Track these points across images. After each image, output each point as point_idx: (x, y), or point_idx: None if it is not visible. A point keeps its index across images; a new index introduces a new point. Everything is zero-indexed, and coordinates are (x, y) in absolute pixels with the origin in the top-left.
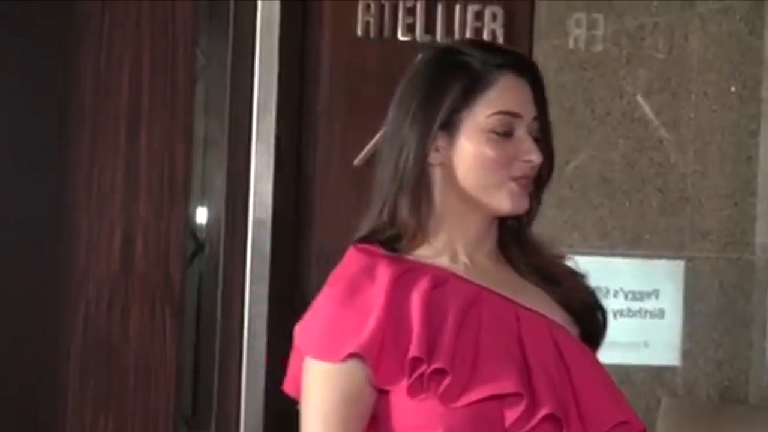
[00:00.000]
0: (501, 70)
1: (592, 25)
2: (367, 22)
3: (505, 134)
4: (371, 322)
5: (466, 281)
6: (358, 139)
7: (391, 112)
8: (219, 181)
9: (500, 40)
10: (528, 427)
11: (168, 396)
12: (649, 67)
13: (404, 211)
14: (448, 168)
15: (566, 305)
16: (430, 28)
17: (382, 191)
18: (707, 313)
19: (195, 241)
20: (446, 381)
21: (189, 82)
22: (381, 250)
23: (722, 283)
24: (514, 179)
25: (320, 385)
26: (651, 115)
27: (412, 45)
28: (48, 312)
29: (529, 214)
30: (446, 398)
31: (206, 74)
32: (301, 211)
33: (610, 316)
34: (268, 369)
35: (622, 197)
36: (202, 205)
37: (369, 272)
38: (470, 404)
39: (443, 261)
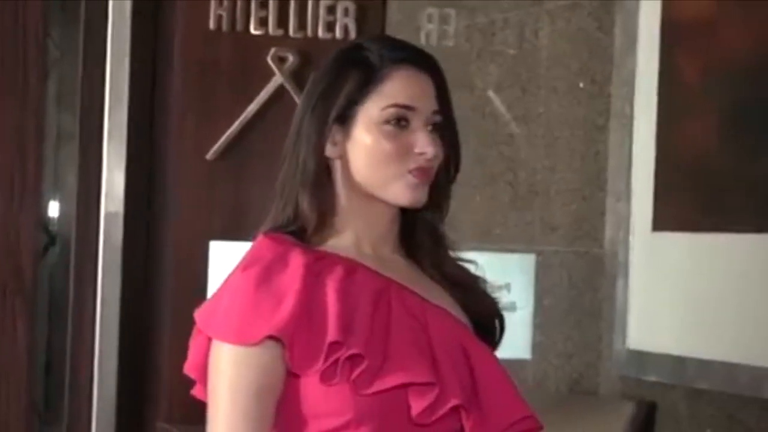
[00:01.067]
0: (397, 64)
1: (443, 20)
2: (220, 16)
3: (399, 127)
4: (286, 305)
5: (374, 272)
6: (210, 132)
7: (296, 110)
8: (71, 174)
9: (352, 34)
10: (435, 416)
11: (20, 390)
12: (499, 63)
13: (305, 206)
14: (345, 161)
15: (467, 309)
16: (282, 21)
17: (285, 186)
18: (557, 307)
19: (47, 234)
20: (361, 366)
21: (41, 74)
22: (291, 239)
23: (571, 277)
24: (410, 171)
25: (233, 368)
26: (502, 110)
27: (265, 38)
28: None
29: (441, 208)
30: (358, 384)
31: (59, 67)
32: (154, 204)
33: None
34: (120, 363)
35: (472, 191)
36: (54, 198)
37: (282, 259)
38: (380, 392)
39: (351, 252)
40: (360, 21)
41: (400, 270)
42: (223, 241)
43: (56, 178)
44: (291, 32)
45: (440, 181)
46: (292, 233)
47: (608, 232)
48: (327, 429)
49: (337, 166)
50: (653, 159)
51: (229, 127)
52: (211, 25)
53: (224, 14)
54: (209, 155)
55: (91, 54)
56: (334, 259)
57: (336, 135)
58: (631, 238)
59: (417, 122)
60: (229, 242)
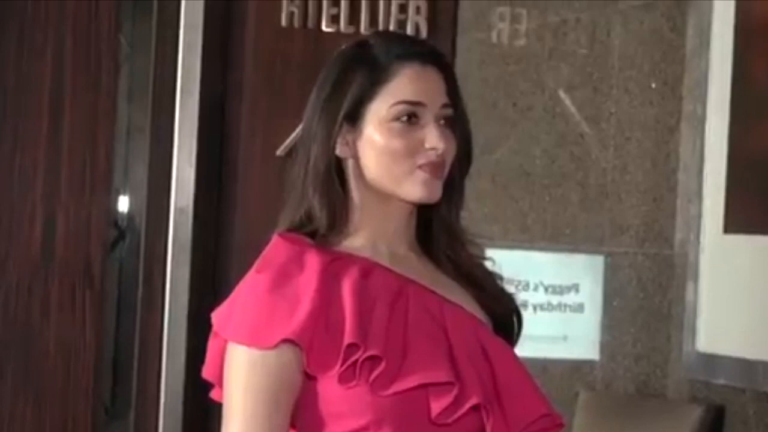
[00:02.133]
0: (404, 60)
1: (515, 20)
2: (292, 13)
3: (410, 123)
4: (303, 308)
5: (391, 272)
6: (281, 129)
7: (307, 109)
8: (141, 169)
9: (423, 32)
10: (455, 416)
11: (87, 384)
12: (570, 63)
13: (316, 207)
14: (359, 160)
15: (485, 306)
16: (354, 19)
17: (297, 187)
18: (626, 308)
19: (117, 228)
20: (379, 368)
21: (113, 68)
22: (307, 240)
23: (640, 278)
24: (421, 167)
25: (248, 371)
26: (572, 110)
27: (336, 36)
28: None
29: (455, 204)
30: (377, 386)
31: (130, 61)
32: (223, 200)
33: (530, 309)
34: (188, 358)
35: (542, 191)
36: (124, 192)
37: (297, 260)
38: (399, 393)
39: (367, 252)
40: (431, 19)
41: (416, 268)
42: None
43: (126, 173)
44: (362, 30)
45: (453, 176)
46: (307, 233)
47: (678, 234)
48: (347, 431)
49: (350, 165)
50: (725, 160)
51: (299, 124)
52: (283, 21)
53: (296, 11)
54: (279, 151)
55: (163, 49)
56: (350, 259)
57: (347, 135)
58: (701, 239)
59: (427, 118)
60: None
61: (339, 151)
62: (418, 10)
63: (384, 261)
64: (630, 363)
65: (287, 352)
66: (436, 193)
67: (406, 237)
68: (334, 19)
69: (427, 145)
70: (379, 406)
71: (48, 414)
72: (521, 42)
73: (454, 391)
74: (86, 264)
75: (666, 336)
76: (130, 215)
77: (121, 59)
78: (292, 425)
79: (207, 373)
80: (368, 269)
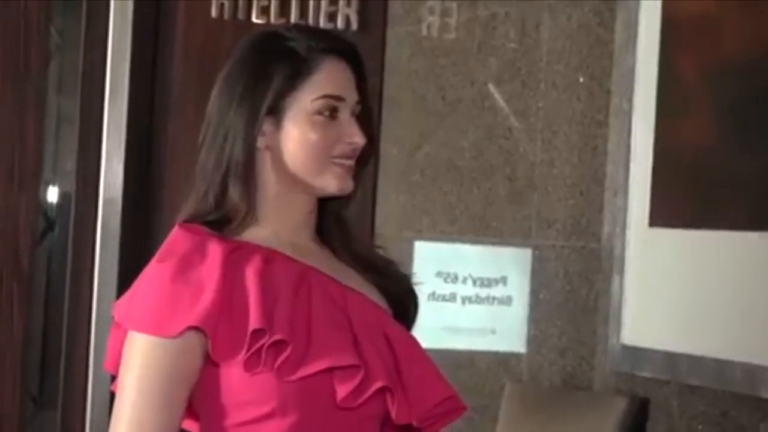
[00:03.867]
0: (325, 54)
1: (445, 13)
2: (222, 4)
3: (330, 117)
4: (207, 295)
5: (293, 260)
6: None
7: (215, 98)
8: (70, 160)
9: (354, 25)
10: (360, 400)
11: (15, 376)
12: (500, 56)
13: (235, 196)
14: (275, 151)
15: (384, 291)
16: (284, 11)
17: (206, 176)
18: (552, 301)
19: (45, 218)
20: (285, 353)
21: (42, 59)
22: (207, 230)
23: (567, 271)
24: (335, 160)
25: (148, 359)
26: (501, 104)
27: (267, 28)
28: None
29: (350, 196)
30: (282, 371)
31: (60, 52)
32: (152, 191)
33: (458, 302)
34: None
35: (470, 184)
36: (53, 183)
37: (199, 249)
38: (304, 378)
39: (269, 242)
40: (362, 12)
41: (317, 257)
42: None
43: (56, 164)
44: (292, 21)
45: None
46: (207, 224)
47: (605, 228)
48: (251, 418)
49: (266, 156)
50: (651, 155)
51: None
52: (213, 13)
53: (226, 2)
54: None
55: (93, 40)
56: (251, 248)
57: (265, 126)
58: (627, 233)
59: (344, 112)
60: None
61: (257, 142)
62: (348, 2)
63: (286, 250)
64: (556, 356)
65: (191, 340)
66: (349, 186)
67: (308, 228)
68: (265, 11)
69: (347, 140)
70: (284, 392)
71: None
72: (451, 35)
73: (360, 375)
74: (14, 255)
75: (592, 329)
76: (60, 206)
77: (51, 50)
78: (194, 416)
79: (108, 365)
80: (270, 257)
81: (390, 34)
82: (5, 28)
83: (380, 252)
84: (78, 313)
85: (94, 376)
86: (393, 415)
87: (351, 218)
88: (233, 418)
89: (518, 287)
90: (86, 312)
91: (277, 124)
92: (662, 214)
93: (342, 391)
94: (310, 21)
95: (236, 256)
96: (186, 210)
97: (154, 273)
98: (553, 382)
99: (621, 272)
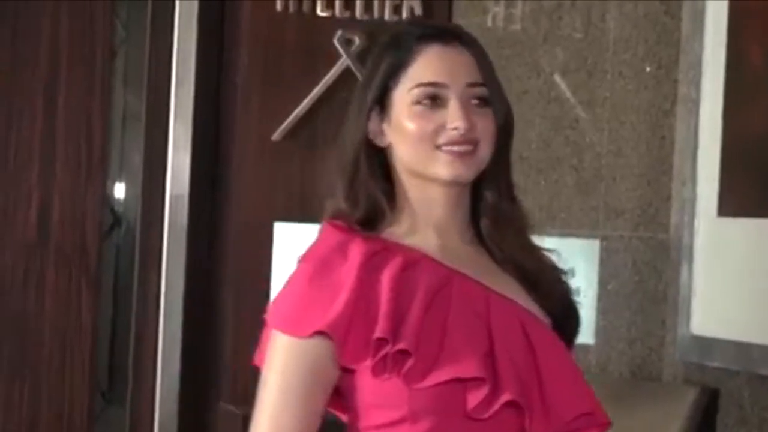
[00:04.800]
0: (423, 42)
1: (510, 4)
2: None
3: (434, 105)
4: (340, 300)
5: (438, 263)
6: (276, 114)
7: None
8: (137, 155)
9: (418, 16)
10: (490, 411)
11: (84, 369)
12: (565, 47)
13: (352, 197)
14: (393, 147)
15: (542, 303)
16: (349, 3)
17: (336, 175)
18: (620, 292)
19: (113, 214)
20: (409, 362)
21: (108, 53)
22: (355, 227)
23: (635, 262)
24: (443, 147)
25: (284, 358)
26: (567, 94)
27: (331, 20)
28: None
29: (497, 185)
30: (409, 379)
31: (125, 47)
32: (219, 186)
33: None
34: (184, 345)
35: (537, 176)
36: (120, 179)
37: (341, 250)
38: (433, 386)
39: (415, 240)
40: (426, 3)
41: (466, 259)
42: (288, 222)
43: (122, 159)
44: (358, 14)
45: (496, 156)
46: (356, 220)
47: (673, 218)
48: (384, 422)
49: (389, 153)
50: (719, 144)
51: (295, 108)
52: (278, 6)
53: None
54: (275, 136)
55: (158, 34)
56: (395, 249)
57: (382, 123)
58: (695, 223)
59: (451, 98)
60: (293, 224)
61: (378, 140)
62: None
63: (431, 250)
64: (624, 346)
65: (320, 344)
66: (462, 173)
67: (455, 222)
68: (330, 4)
69: (449, 125)
70: (414, 398)
71: (44, 399)
72: (516, 26)
73: (485, 387)
74: (82, 249)
75: (661, 319)
76: (126, 202)
77: (116, 44)
78: (343, 410)
79: (258, 360)
80: (412, 261)
81: None
82: (71, 22)
83: (546, 256)
84: (146, 308)
85: (162, 371)
86: (527, 426)
87: (507, 212)
88: (368, 420)
89: (586, 278)
90: (154, 308)
91: (389, 120)
92: (731, 204)
93: (472, 401)
94: (375, 13)
95: (377, 258)
96: (328, 208)
97: (297, 273)
98: (622, 373)
99: (690, 262)
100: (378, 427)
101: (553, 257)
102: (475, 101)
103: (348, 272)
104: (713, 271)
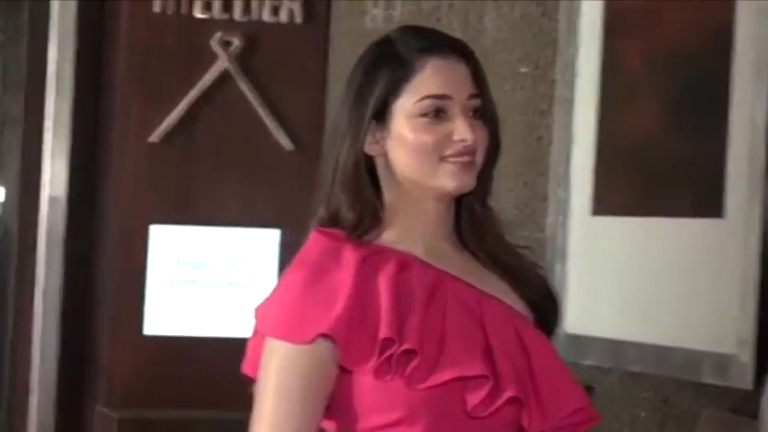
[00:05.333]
0: (426, 54)
1: (388, 5)
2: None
3: (437, 118)
4: (339, 303)
5: (429, 266)
6: (155, 116)
7: (337, 107)
8: (15, 159)
9: (298, 19)
10: (491, 410)
11: None
12: None
13: (344, 205)
14: (389, 157)
15: (523, 294)
16: (227, 5)
17: (325, 182)
18: None
19: None
20: (414, 362)
21: None
22: (344, 234)
23: None
24: (448, 159)
25: (284, 365)
26: None
27: (210, 22)
28: None
29: (479, 192)
30: (412, 380)
31: (3, 51)
32: (97, 189)
33: None
34: (61, 347)
35: None
36: None
37: (334, 255)
38: (434, 386)
39: (404, 246)
40: (306, 5)
41: (454, 261)
42: (164, 225)
43: (1, 163)
44: (236, 16)
45: (485, 165)
46: (345, 227)
47: (549, 217)
48: (381, 424)
49: (381, 163)
50: (593, 144)
51: (173, 110)
52: (156, 8)
53: None
54: (153, 138)
55: (36, 38)
56: (387, 253)
57: (375, 133)
58: (570, 222)
59: (454, 110)
60: (170, 226)
61: (368, 149)
62: None
63: (420, 254)
64: None
65: (322, 347)
66: (468, 183)
67: (443, 230)
68: (207, 6)
69: (455, 138)
70: (413, 399)
71: None
72: (394, 27)
73: (489, 385)
74: None
75: None
76: (5, 205)
77: None
78: (330, 417)
79: (247, 368)
80: (405, 263)
81: (334, 27)
82: None
83: (523, 253)
84: (23, 311)
85: (39, 374)
86: (525, 423)
87: (486, 218)
88: (364, 422)
89: None
90: (30, 310)
91: (386, 130)
92: (604, 203)
93: (472, 400)
94: (253, 15)
95: (371, 262)
96: (316, 214)
97: (289, 279)
98: None
99: (563, 261)
100: (373, 429)
101: (528, 253)
102: (471, 113)
103: (344, 276)
104: (587, 270)
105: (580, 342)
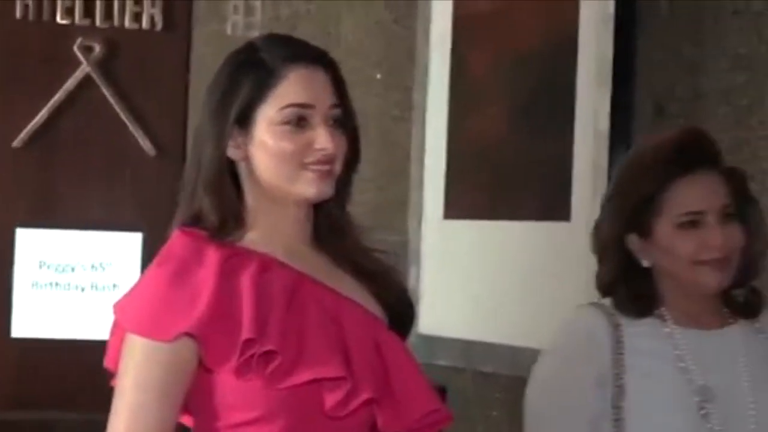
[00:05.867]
0: (291, 63)
1: (249, 12)
2: (26, 5)
3: (298, 125)
4: (201, 302)
5: (289, 268)
6: (17, 120)
7: (200, 111)
8: None
9: (159, 25)
10: (348, 410)
11: None
12: None
13: (205, 207)
14: (250, 162)
15: (379, 298)
16: (89, 11)
17: (188, 186)
18: None
19: None
20: (275, 363)
21: None
22: (206, 235)
23: None
24: (308, 167)
25: (144, 361)
26: None
27: (71, 28)
28: None
29: (342, 199)
30: (272, 380)
31: None
32: None
33: None
34: None
35: None
36: None
37: (197, 255)
38: (293, 387)
39: (266, 248)
40: (166, 12)
41: (313, 264)
42: (29, 228)
43: None
44: (98, 22)
45: (342, 173)
46: (207, 228)
47: (407, 222)
48: (239, 422)
49: (243, 167)
50: (445, 149)
51: (35, 115)
52: (18, 14)
53: (30, 3)
54: (15, 143)
55: None
56: (249, 255)
57: (237, 138)
58: (424, 226)
59: (316, 119)
60: (35, 229)
61: (231, 153)
62: (153, 2)
63: (281, 257)
64: None
65: (184, 346)
66: (326, 191)
67: (303, 234)
68: (69, 12)
69: (316, 146)
70: (272, 399)
71: None
72: (255, 33)
73: (347, 386)
74: None
75: None
76: None
77: None
78: (190, 413)
79: (108, 363)
80: (266, 265)
81: (195, 33)
82: None
83: (380, 257)
84: None
85: None
86: (380, 424)
87: (345, 223)
88: (223, 420)
89: None
90: None
91: (248, 136)
92: (456, 207)
93: (330, 401)
94: (115, 20)
95: (233, 262)
96: (177, 216)
97: (152, 276)
98: None
99: (417, 264)
100: (233, 426)
101: (386, 257)
102: (331, 122)
103: (206, 275)
104: (439, 273)
105: (433, 342)
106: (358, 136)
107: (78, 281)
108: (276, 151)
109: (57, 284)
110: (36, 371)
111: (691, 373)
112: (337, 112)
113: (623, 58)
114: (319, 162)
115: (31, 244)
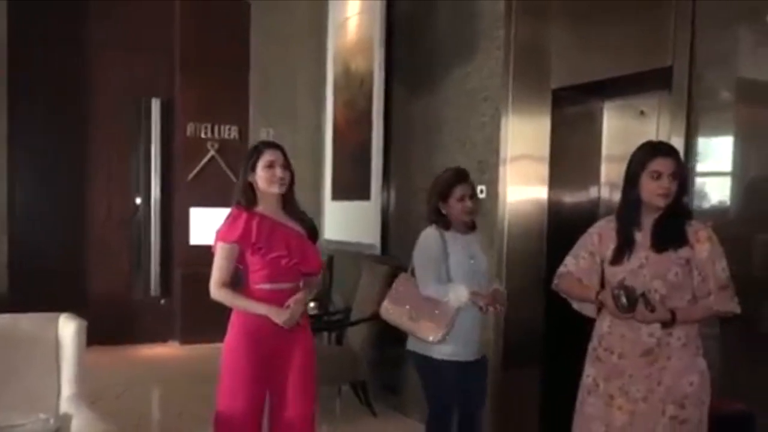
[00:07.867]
0: (263, 148)
1: None
2: None
3: (270, 167)
4: (239, 230)
5: (272, 219)
6: None
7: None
8: None
9: None
10: (290, 265)
11: None
12: None
13: (242, 198)
14: (256, 181)
15: (305, 228)
16: None
17: (237, 189)
18: None
19: None
20: (263, 250)
21: None
22: (243, 207)
23: None
24: (275, 182)
25: (221, 250)
26: None
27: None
28: None
29: (291, 193)
30: (263, 256)
31: None
32: None
33: None
34: None
35: None
36: None
37: (239, 214)
38: (270, 258)
39: (264, 212)
40: None
41: (281, 217)
42: None
43: None
44: None
45: (289, 184)
46: (242, 205)
47: (319, 199)
48: (255, 269)
49: (255, 181)
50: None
51: None
52: None
53: None
54: None
55: None
56: (257, 214)
57: (251, 173)
58: (324, 202)
59: (276, 164)
60: None
61: (250, 178)
62: None
63: (269, 215)
64: None
65: (234, 246)
66: (283, 190)
67: (278, 207)
68: None
69: (278, 174)
70: (264, 262)
71: None
72: None
73: (289, 257)
74: None
75: None
76: None
77: None
78: (239, 263)
79: (214, 248)
80: (263, 218)
81: None
82: None
83: (305, 214)
84: None
85: None
86: (303, 270)
87: (294, 202)
88: (251, 269)
89: None
90: None
91: (254, 173)
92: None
93: (283, 262)
94: None
95: (252, 216)
96: (234, 199)
97: (226, 219)
98: None
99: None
100: (253, 271)
101: (307, 214)
102: (282, 166)
103: (241, 221)
104: (331, 222)
105: (330, 243)
106: (293, 172)
107: None
108: (263, 178)
109: None
110: None
111: (467, 250)
112: (284, 163)
113: None
114: (279, 180)
115: None
